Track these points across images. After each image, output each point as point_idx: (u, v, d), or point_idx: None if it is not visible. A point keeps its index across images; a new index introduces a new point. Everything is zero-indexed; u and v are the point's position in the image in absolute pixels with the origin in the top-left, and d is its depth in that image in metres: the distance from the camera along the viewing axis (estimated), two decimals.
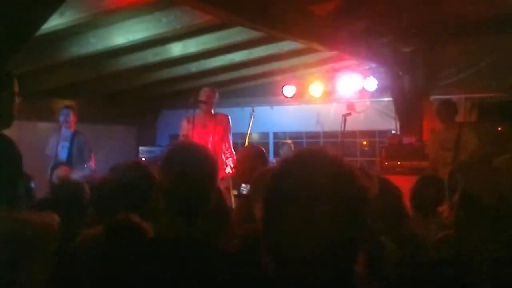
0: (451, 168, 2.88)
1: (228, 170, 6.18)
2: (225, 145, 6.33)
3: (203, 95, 6.28)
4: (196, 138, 6.06)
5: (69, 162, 6.96)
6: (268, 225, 1.33)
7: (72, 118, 7.18)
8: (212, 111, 6.41)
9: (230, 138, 6.44)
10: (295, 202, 1.27)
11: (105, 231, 2.23)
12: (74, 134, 7.18)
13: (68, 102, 7.99)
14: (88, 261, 2.27)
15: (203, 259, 1.90)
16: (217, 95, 6.41)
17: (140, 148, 9.96)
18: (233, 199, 5.78)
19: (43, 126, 8.53)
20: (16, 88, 2.69)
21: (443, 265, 2.24)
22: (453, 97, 8.56)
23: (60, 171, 5.47)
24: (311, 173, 1.29)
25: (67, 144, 7.12)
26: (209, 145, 6.19)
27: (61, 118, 7.17)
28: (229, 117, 6.45)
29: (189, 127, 6.12)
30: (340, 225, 1.25)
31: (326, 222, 1.25)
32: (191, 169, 2.00)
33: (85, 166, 6.91)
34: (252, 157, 4.50)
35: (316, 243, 1.25)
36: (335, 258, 1.26)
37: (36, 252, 2.08)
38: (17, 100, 2.69)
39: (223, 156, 6.30)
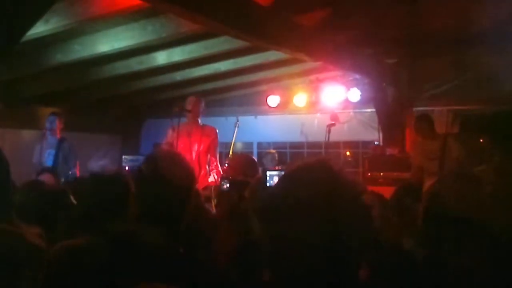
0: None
1: (211, 179, 6.20)
2: (211, 158, 6.36)
3: (188, 104, 6.31)
4: (181, 146, 6.08)
5: (54, 169, 6.92)
6: (267, 240, 1.32)
7: (58, 125, 7.14)
8: (199, 121, 6.43)
9: (217, 151, 6.50)
10: (293, 217, 1.27)
11: (109, 242, 2.21)
12: (60, 141, 7.14)
13: (52, 110, 7.94)
14: (78, 272, 2.25)
15: (179, 268, 1.89)
16: (203, 104, 6.44)
17: (124, 157, 9.90)
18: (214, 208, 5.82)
19: (27, 133, 8.46)
20: None
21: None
22: (436, 109, 8.68)
23: (44, 178, 5.40)
24: (311, 188, 1.28)
25: (52, 151, 7.09)
26: (193, 155, 6.22)
27: (47, 125, 7.12)
28: (217, 130, 6.48)
29: (174, 136, 6.13)
30: (341, 240, 1.25)
31: (326, 237, 1.25)
32: (165, 178, 2.00)
33: (69, 173, 6.88)
34: (243, 165, 4.55)
35: (315, 258, 1.25)
36: (335, 272, 1.26)
37: (30, 267, 2.07)
38: None
39: (207, 167, 6.32)
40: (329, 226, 1.24)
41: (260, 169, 5.01)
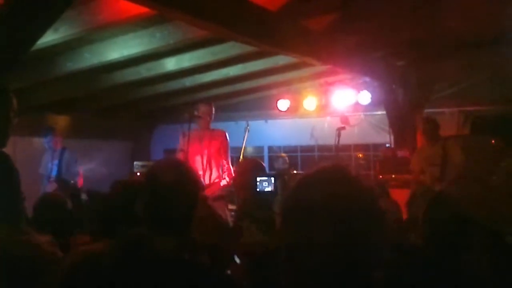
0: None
1: (223, 182, 6.19)
2: (222, 161, 6.32)
3: (199, 111, 6.30)
4: (192, 153, 6.08)
5: (58, 178, 7.06)
6: (286, 239, 1.34)
7: (54, 139, 7.32)
8: (210, 126, 6.42)
9: (228, 153, 6.44)
10: (312, 218, 1.27)
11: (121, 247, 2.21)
12: (62, 151, 7.31)
13: (62, 118, 8.01)
14: (93, 278, 2.26)
15: (188, 277, 1.89)
16: (213, 109, 6.43)
17: (135, 163, 9.94)
18: (227, 212, 5.83)
19: (38, 141, 8.52)
20: (14, 106, 2.68)
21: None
22: (446, 110, 8.63)
23: (51, 187, 5.50)
24: (330, 191, 1.30)
25: (56, 161, 7.25)
26: (205, 160, 6.21)
27: (45, 145, 7.34)
28: (226, 133, 6.46)
29: (185, 142, 6.14)
30: (356, 243, 1.26)
31: (341, 240, 1.26)
32: (170, 188, 1.99)
33: (71, 182, 6.94)
34: (251, 170, 4.51)
35: (332, 258, 1.25)
36: (351, 274, 1.26)
37: (46, 274, 2.09)
38: (14, 118, 2.68)
39: (220, 171, 6.30)
40: (345, 229, 1.25)
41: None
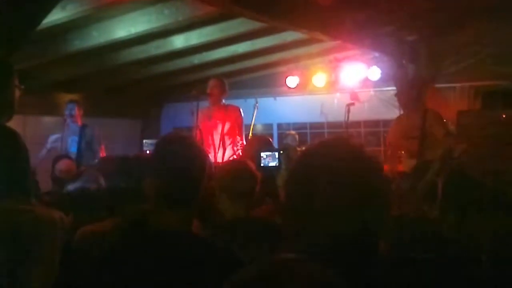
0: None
1: None
2: (238, 138, 6.22)
3: (208, 87, 6.24)
4: (205, 130, 6.08)
5: (79, 155, 7.00)
6: (290, 210, 1.34)
7: (77, 112, 7.21)
8: (223, 101, 6.33)
9: (242, 130, 6.39)
10: (317, 189, 1.27)
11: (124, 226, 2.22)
12: (82, 127, 7.22)
13: (71, 96, 7.99)
14: (100, 255, 2.27)
15: (194, 251, 1.89)
16: (225, 85, 6.32)
17: (145, 141, 9.92)
18: None
19: (47, 120, 8.55)
20: (17, 81, 2.70)
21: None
22: (457, 85, 8.55)
23: (62, 165, 5.47)
24: (334, 161, 1.30)
25: (75, 138, 7.17)
26: (216, 137, 6.16)
27: (66, 112, 7.20)
28: (240, 109, 6.39)
29: (202, 119, 6.11)
30: (362, 213, 1.26)
31: (347, 210, 1.26)
32: (178, 162, 1.98)
33: (95, 159, 6.93)
34: (257, 145, 4.49)
35: (337, 230, 1.25)
36: (355, 245, 1.26)
37: (38, 246, 2.11)
38: (18, 92, 2.70)
39: (235, 148, 6.21)
40: (350, 198, 1.25)
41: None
